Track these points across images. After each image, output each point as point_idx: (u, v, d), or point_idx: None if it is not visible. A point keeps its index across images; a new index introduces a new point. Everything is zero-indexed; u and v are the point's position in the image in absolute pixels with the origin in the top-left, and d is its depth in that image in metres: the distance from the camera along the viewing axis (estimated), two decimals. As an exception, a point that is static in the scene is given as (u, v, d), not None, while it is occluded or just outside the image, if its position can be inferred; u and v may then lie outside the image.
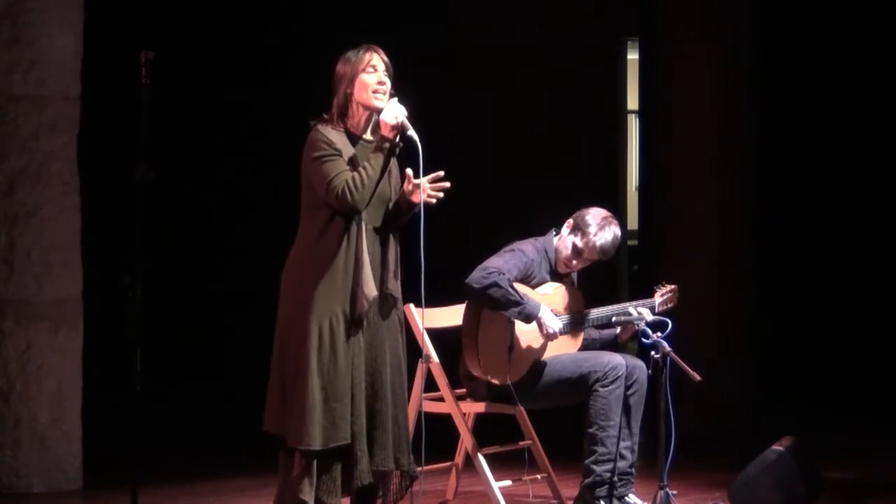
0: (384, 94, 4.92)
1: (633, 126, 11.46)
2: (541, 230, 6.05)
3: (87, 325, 6.73)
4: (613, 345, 6.05)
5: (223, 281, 9.31)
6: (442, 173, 4.94)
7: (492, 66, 9.81)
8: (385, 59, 4.96)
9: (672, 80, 8.28)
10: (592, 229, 5.87)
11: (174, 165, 8.43)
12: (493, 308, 5.70)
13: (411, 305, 5.72)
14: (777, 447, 5.90)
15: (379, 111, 4.90)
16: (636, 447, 5.83)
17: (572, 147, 9.84)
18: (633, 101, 10.65)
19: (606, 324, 5.97)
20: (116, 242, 8.02)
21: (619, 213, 9.70)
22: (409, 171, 4.96)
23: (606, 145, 10.25)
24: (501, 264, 5.75)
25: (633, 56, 10.46)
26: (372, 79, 4.91)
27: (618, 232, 5.93)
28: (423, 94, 5.33)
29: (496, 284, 5.65)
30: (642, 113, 9.41)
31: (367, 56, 4.93)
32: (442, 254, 8.69)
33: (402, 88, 4.98)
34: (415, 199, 4.95)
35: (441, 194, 4.96)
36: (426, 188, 4.93)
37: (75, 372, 6.65)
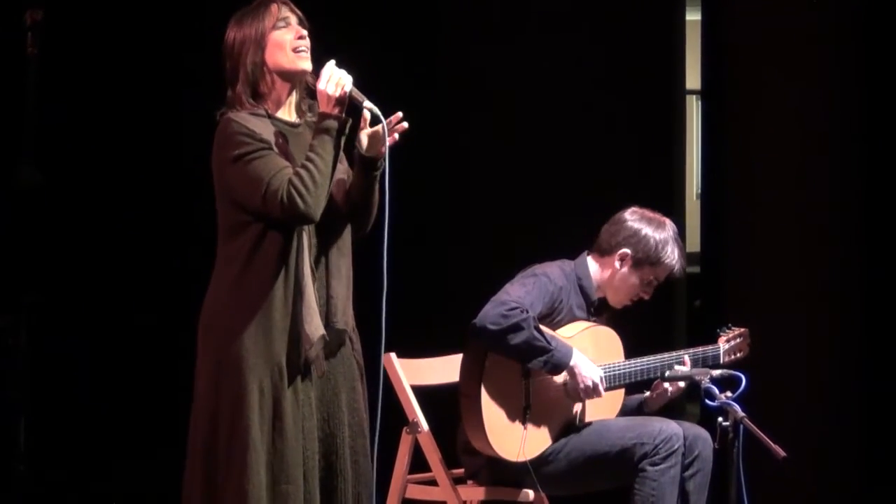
0: (307, 50, 4.94)
1: (694, 111, 11.50)
2: (570, 252, 6.09)
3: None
4: (639, 412, 6.08)
5: (137, 321, 9.29)
6: (401, 114, 4.93)
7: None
8: (294, 7, 4.99)
9: (747, 49, 8.22)
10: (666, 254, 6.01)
11: (70, 165, 8.47)
12: (513, 357, 5.75)
13: (392, 355, 5.74)
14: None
15: (304, 74, 4.93)
16: (697, 546, 5.89)
17: (611, 143, 9.86)
18: (693, 80, 10.69)
19: (653, 378, 6.01)
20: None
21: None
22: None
23: (657, 138, 10.27)
24: (523, 296, 5.79)
25: (693, 17, 10.51)
26: (287, 35, 4.93)
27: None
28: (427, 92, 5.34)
29: (518, 327, 5.68)
30: (705, 94, 9.42)
31: (273, 8, 4.94)
32: (438, 288, 8.72)
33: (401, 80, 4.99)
34: (381, 149, 4.93)
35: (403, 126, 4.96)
36: (392, 132, 4.93)
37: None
